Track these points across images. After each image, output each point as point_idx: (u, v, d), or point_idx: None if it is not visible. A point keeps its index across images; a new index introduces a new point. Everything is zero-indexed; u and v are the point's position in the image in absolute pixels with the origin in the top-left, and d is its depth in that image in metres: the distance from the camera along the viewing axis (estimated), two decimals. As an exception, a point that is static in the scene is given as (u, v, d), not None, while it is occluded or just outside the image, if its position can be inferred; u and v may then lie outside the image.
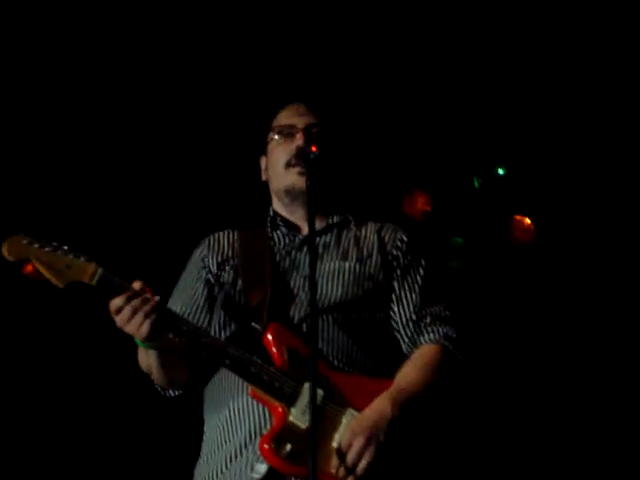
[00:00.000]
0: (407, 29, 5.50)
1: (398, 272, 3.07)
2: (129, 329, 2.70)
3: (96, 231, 5.24)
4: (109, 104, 5.38)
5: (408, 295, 3.04)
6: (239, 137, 5.11)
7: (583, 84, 5.75)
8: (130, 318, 2.69)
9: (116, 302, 2.70)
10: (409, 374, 2.90)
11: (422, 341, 3.00)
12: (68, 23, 4.98)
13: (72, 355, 5.39)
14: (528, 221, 6.39)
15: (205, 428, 3.04)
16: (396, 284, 3.06)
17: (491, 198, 6.39)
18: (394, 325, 3.04)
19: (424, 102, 5.92)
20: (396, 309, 3.04)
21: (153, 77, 5.38)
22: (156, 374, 2.96)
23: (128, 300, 2.70)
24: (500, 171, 6.36)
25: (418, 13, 5.42)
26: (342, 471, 2.68)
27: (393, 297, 3.05)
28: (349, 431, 2.71)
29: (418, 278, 3.08)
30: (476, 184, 6.43)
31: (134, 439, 5.49)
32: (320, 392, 2.72)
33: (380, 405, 2.77)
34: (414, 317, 3.01)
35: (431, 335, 2.99)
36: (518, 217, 6.42)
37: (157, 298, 2.74)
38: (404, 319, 3.02)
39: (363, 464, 2.67)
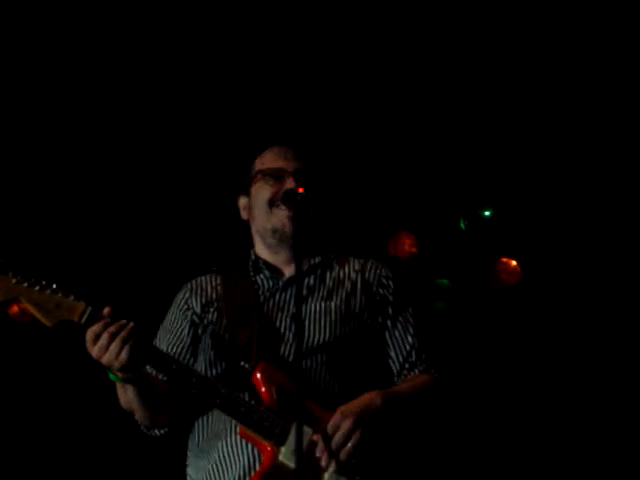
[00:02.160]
0: (389, 67, 5.54)
1: (389, 311, 3.08)
2: (107, 358, 2.68)
3: (83, 270, 5.23)
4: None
5: (403, 336, 3.06)
6: (219, 180, 5.11)
7: (566, 126, 5.80)
8: (108, 344, 2.67)
9: (93, 329, 2.69)
10: (399, 384, 2.99)
11: (415, 372, 3.04)
12: (68, 23, 5.00)
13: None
14: (514, 263, 6.40)
15: (191, 472, 3.00)
16: (389, 323, 3.07)
17: (477, 240, 6.41)
18: (390, 362, 3.06)
19: (410, 143, 5.96)
20: (393, 352, 3.06)
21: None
22: (137, 412, 2.93)
23: (105, 327, 2.69)
24: (486, 213, 6.38)
25: (400, 47, 5.45)
26: (327, 454, 2.68)
27: (387, 335, 3.06)
28: (337, 414, 2.72)
29: (410, 318, 3.09)
30: (462, 226, 6.44)
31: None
32: (309, 431, 2.71)
33: (370, 396, 2.80)
34: (412, 359, 3.04)
35: (423, 367, 3.04)
36: (504, 259, 6.43)
37: (132, 324, 2.73)
38: (401, 359, 3.05)
39: (349, 447, 2.69)
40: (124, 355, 2.67)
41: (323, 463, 2.69)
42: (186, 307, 3.11)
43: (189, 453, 3.03)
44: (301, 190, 2.84)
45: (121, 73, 5.24)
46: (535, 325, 6.20)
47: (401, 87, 5.65)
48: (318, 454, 2.69)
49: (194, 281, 3.20)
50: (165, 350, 3.02)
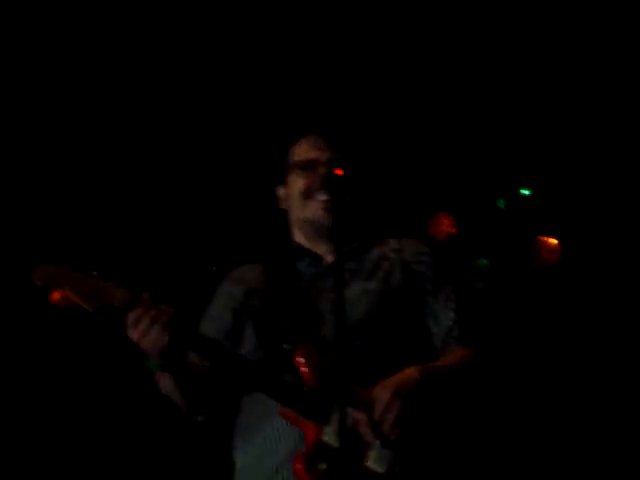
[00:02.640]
0: (427, 53, 5.53)
1: (429, 287, 3.09)
2: (148, 342, 2.69)
3: (124, 262, 5.28)
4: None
5: (444, 311, 3.07)
6: (257, 170, 5.13)
7: (606, 103, 5.76)
8: (149, 329, 2.68)
9: (134, 313, 2.70)
10: (438, 360, 2.98)
11: (456, 347, 3.05)
12: (68, 23, 4.99)
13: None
14: (554, 241, 6.38)
15: (237, 456, 3.03)
16: (430, 299, 3.08)
17: (516, 219, 6.39)
18: (432, 338, 3.07)
19: (448, 125, 5.94)
20: (435, 328, 3.07)
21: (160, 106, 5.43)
22: (176, 398, 2.95)
23: (146, 311, 2.70)
24: (525, 192, 6.36)
25: (438, 36, 5.44)
26: (369, 423, 2.69)
27: (427, 311, 3.07)
28: (376, 388, 2.73)
29: (450, 294, 3.10)
30: (501, 205, 6.43)
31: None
32: (351, 410, 2.72)
33: (409, 370, 2.81)
34: (454, 333, 3.04)
35: (464, 342, 3.04)
36: (543, 238, 6.41)
37: (172, 309, 2.74)
38: (443, 334, 3.05)
39: (389, 418, 2.69)
40: (165, 339, 2.68)
41: (367, 437, 2.71)
42: (228, 295, 3.13)
43: (235, 437, 3.06)
44: (340, 172, 2.86)
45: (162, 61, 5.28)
46: (575, 304, 6.18)
47: (436, 67, 5.63)
48: (361, 431, 2.70)
49: (236, 270, 3.23)
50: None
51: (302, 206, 3.13)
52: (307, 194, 3.11)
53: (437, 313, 3.06)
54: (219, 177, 5.75)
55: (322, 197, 3.06)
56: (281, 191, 3.26)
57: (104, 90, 5.24)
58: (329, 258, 3.12)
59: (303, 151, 3.20)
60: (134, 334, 2.70)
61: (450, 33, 5.43)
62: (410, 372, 2.80)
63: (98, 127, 5.38)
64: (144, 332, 2.69)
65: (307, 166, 3.15)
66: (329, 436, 2.72)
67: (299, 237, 3.22)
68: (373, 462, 2.72)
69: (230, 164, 5.71)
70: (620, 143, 5.94)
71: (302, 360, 2.80)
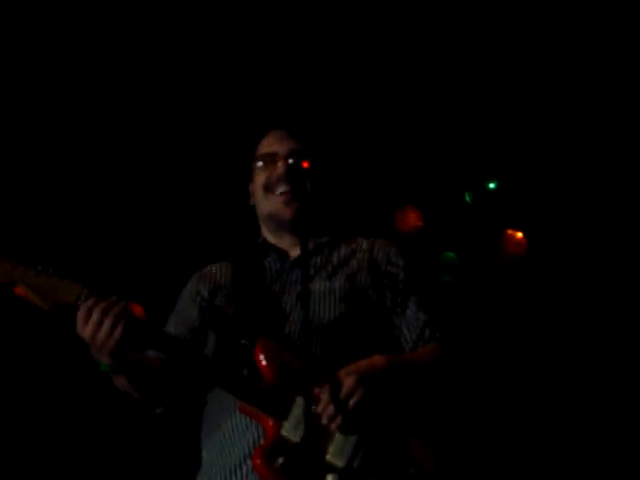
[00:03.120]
0: (397, 44, 5.53)
1: (400, 289, 3.06)
2: (101, 335, 2.63)
3: (88, 257, 5.26)
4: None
5: (415, 314, 3.04)
6: (229, 166, 5.13)
7: (572, 95, 5.79)
8: (101, 319, 2.63)
9: (86, 304, 2.65)
10: (408, 352, 2.99)
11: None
12: (68, 23, 5.01)
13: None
14: (520, 235, 6.41)
15: (202, 450, 3.03)
16: (400, 301, 3.05)
17: (483, 212, 6.42)
18: (402, 340, 3.05)
19: (415, 117, 5.96)
20: (405, 330, 3.04)
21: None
22: (134, 393, 2.93)
23: (97, 302, 2.66)
24: (491, 185, 6.39)
25: (409, 28, 5.45)
26: (330, 408, 2.68)
27: (398, 313, 3.05)
28: (342, 371, 2.72)
29: (421, 295, 3.08)
30: (468, 199, 6.45)
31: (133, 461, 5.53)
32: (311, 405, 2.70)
33: (376, 358, 2.79)
34: (425, 336, 3.02)
35: (436, 339, 3.03)
36: (510, 231, 6.44)
37: (125, 302, 2.70)
38: (414, 337, 3.03)
39: (351, 403, 2.68)
40: (119, 331, 2.63)
41: (325, 421, 2.68)
42: (195, 293, 3.13)
43: (201, 434, 3.05)
44: (305, 164, 2.84)
45: (137, 61, 5.27)
46: (542, 297, 6.22)
47: (404, 61, 5.65)
48: (322, 418, 2.69)
49: (204, 269, 3.22)
50: (173, 331, 3.05)
51: (264, 201, 3.13)
52: (267, 188, 3.11)
53: (408, 316, 3.04)
54: (194, 174, 5.74)
55: (281, 189, 3.06)
56: (251, 188, 3.26)
57: (82, 90, 5.22)
58: (294, 253, 3.12)
59: (264, 145, 3.20)
60: (85, 329, 2.66)
61: (420, 25, 5.44)
62: (378, 359, 2.78)
63: (70, 126, 5.36)
64: (96, 324, 2.64)
65: (267, 159, 3.15)
66: (288, 431, 2.72)
67: (266, 233, 3.22)
68: (333, 456, 2.72)
69: (203, 162, 5.70)
70: (586, 136, 5.97)
71: (261, 355, 2.79)
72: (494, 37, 5.48)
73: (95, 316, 2.65)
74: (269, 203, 3.11)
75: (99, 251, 5.54)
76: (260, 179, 3.14)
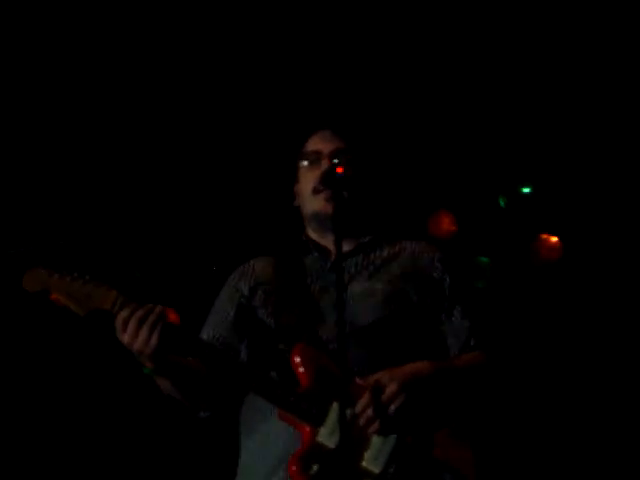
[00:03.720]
0: (434, 52, 5.52)
1: (445, 294, 3.03)
2: (138, 345, 2.68)
3: (125, 259, 5.28)
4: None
5: (460, 321, 3.02)
6: (277, 165, 5.13)
7: (607, 99, 5.75)
8: (137, 330, 2.67)
9: (122, 315, 2.69)
10: (450, 359, 2.96)
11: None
12: (68, 23, 5.00)
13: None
14: (554, 239, 6.37)
15: (240, 452, 3.03)
16: (446, 306, 3.02)
17: (517, 217, 6.38)
18: (447, 345, 3.02)
19: (449, 121, 5.94)
20: (450, 337, 3.02)
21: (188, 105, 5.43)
22: (177, 397, 2.95)
23: (132, 312, 2.69)
24: (526, 189, 6.35)
25: (446, 38, 5.44)
26: (369, 411, 2.68)
27: (443, 319, 3.02)
28: (385, 375, 2.72)
29: (466, 302, 3.04)
30: (502, 203, 6.42)
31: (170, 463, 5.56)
32: (349, 411, 2.70)
33: (422, 364, 2.79)
34: (471, 343, 3.00)
35: (481, 347, 3.01)
36: (544, 235, 6.40)
37: (160, 307, 2.72)
38: (460, 344, 3.00)
39: (392, 408, 2.68)
40: (154, 340, 2.67)
41: (362, 423, 2.68)
42: (234, 290, 3.13)
43: (240, 435, 3.05)
44: (340, 169, 2.84)
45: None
46: (576, 302, 6.17)
47: (439, 65, 5.63)
48: (360, 422, 2.68)
49: (246, 263, 3.22)
50: (210, 332, 3.06)
51: (311, 201, 3.12)
52: (314, 188, 3.09)
53: (453, 323, 3.01)
54: (239, 173, 5.75)
55: (326, 191, 3.04)
56: (297, 188, 3.26)
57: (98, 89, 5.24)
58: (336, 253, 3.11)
59: (309, 145, 3.20)
60: (124, 338, 2.70)
61: (452, 32, 5.43)
62: (423, 366, 2.78)
63: (91, 126, 5.38)
64: (132, 334, 2.68)
65: (310, 159, 3.14)
66: (324, 437, 2.72)
67: (311, 233, 3.20)
68: (368, 462, 2.72)
69: (249, 160, 5.71)
70: (621, 141, 5.93)
71: (298, 360, 2.79)
72: (535, 43, 5.43)
73: (131, 326, 2.69)
74: (315, 203, 3.09)
75: (137, 254, 5.56)
76: (306, 181, 3.13)
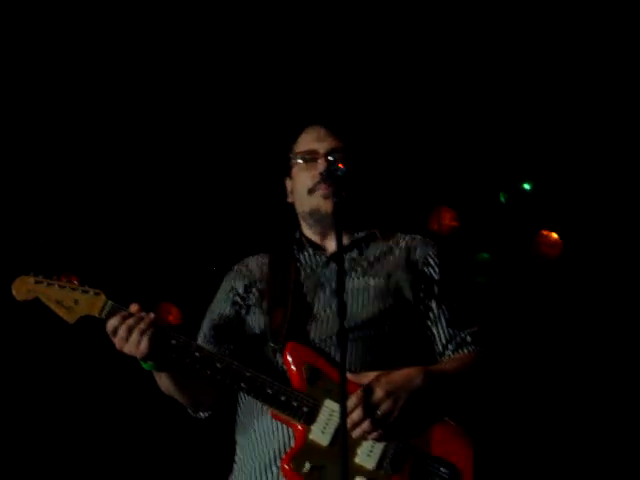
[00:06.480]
0: (431, 49, 5.52)
1: (435, 290, 3.03)
2: (128, 349, 2.72)
3: (127, 262, 5.29)
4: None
5: (449, 316, 3.01)
6: (268, 161, 5.12)
7: (607, 96, 5.74)
8: (127, 337, 2.71)
9: (111, 322, 2.73)
10: (442, 363, 2.95)
11: (461, 352, 3.00)
12: (68, 23, 5.02)
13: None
14: (555, 235, 6.37)
15: (238, 451, 3.04)
16: (435, 302, 3.02)
17: (517, 213, 6.38)
18: (435, 344, 3.02)
19: (449, 117, 5.94)
20: (437, 331, 3.01)
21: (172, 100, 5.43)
22: (176, 396, 2.97)
23: (123, 319, 2.73)
24: (526, 186, 6.35)
25: (444, 35, 5.43)
26: (356, 414, 2.68)
27: (431, 315, 3.02)
28: (375, 380, 2.73)
29: (458, 297, 3.05)
30: (502, 199, 6.42)
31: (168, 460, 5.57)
32: (338, 406, 2.70)
33: (412, 371, 2.79)
34: (458, 339, 2.99)
35: (470, 348, 2.99)
36: (545, 232, 6.40)
37: (152, 315, 2.75)
38: (444, 340, 3.00)
39: (378, 413, 2.69)
40: (143, 346, 2.70)
41: (349, 426, 2.67)
42: (230, 288, 3.13)
43: (235, 431, 3.06)
44: (341, 165, 2.83)
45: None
46: (576, 298, 6.17)
47: (440, 60, 5.63)
48: (348, 425, 2.66)
49: (242, 262, 3.22)
50: (206, 331, 3.07)
51: (307, 200, 3.11)
52: (310, 190, 3.08)
53: (442, 321, 3.00)
54: (230, 169, 5.75)
55: (323, 189, 3.03)
56: (288, 184, 3.25)
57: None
58: (331, 248, 3.11)
59: (303, 142, 3.18)
60: (115, 342, 2.74)
61: (452, 27, 5.43)
62: (413, 373, 2.78)
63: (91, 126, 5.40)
64: (123, 340, 2.72)
65: (306, 158, 3.13)
66: (316, 435, 2.73)
67: (306, 230, 3.20)
68: (361, 458, 2.74)
69: (240, 156, 5.71)
70: (621, 138, 5.92)
71: (290, 359, 2.81)
72: (535, 40, 5.43)
73: (121, 333, 2.73)
74: (312, 201, 3.09)
75: (136, 249, 5.57)
76: (302, 180, 3.12)
